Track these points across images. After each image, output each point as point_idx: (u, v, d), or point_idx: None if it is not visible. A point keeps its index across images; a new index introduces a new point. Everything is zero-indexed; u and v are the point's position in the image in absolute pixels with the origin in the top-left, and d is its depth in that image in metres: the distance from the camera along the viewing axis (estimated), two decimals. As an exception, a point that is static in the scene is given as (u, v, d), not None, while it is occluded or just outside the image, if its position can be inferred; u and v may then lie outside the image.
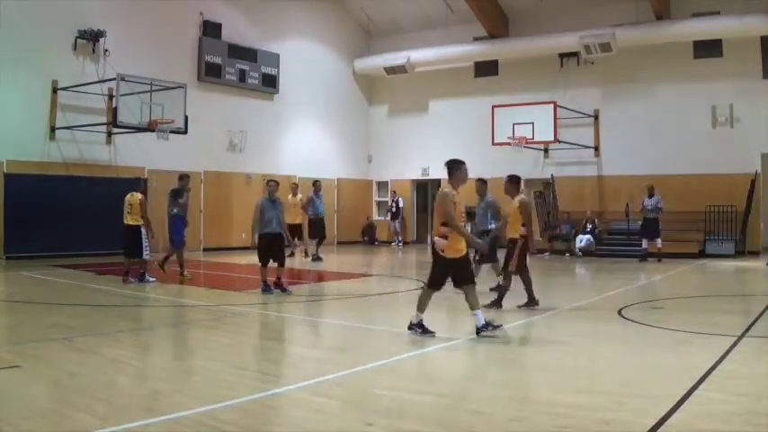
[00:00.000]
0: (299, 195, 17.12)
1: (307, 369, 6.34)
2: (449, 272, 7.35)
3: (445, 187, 7.47)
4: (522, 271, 9.25)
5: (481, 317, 7.24)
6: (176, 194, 12.84)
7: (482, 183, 11.56)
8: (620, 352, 6.85)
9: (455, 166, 7.48)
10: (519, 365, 6.32)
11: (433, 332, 7.28)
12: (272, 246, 10.86)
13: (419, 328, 7.32)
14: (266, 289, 10.76)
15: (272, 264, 10.85)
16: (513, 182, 9.51)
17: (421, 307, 7.38)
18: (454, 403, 5.06)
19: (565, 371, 6.04)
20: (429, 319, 7.38)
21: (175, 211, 12.77)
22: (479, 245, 8.51)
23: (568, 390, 5.32)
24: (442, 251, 7.22)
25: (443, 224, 7.23)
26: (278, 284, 10.78)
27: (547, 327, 8.43)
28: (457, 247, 7.26)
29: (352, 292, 11.63)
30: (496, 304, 9.08)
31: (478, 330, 7.20)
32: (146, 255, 11.99)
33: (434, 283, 7.40)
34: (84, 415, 4.53)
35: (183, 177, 13.19)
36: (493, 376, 6.07)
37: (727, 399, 4.99)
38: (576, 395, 5.15)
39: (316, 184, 17.74)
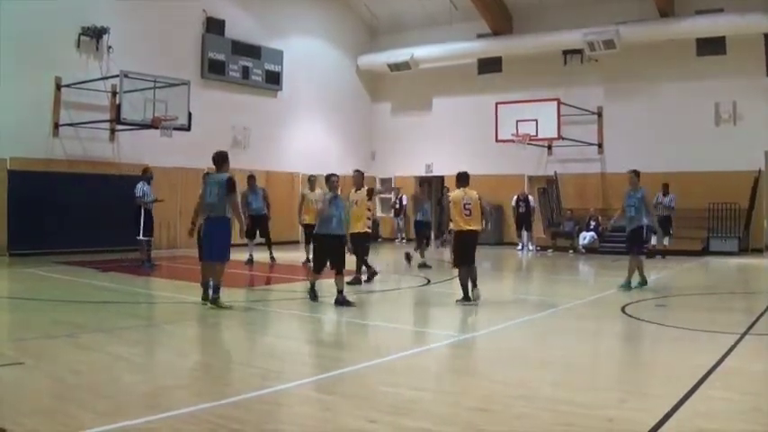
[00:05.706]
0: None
1: (310, 366, 6.35)
2: None
3: None
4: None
5: None
6: None
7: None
8: (623, 349, 6.85)
9: None
10: (523, 363, 6.31)
11: None
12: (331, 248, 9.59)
13: None
14: (313, 297, 9.73)
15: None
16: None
17: None
18: (458, 400, 5.06)
19: (568, 368, 6.04)
20: (430, 316, 7.36)
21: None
22: None
23: (572, 387, 5.32)
24: None
25: None
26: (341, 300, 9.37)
27: (550, 324, 8.42)
28: None
29: (354, 289, 11.61)
30: None
31: None
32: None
33: None
34: (87, 412, 4.54)
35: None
36: (496, 373, 6.06)
37: (729, 397, 4.98)
38: (580, 392, 5.15)
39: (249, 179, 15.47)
